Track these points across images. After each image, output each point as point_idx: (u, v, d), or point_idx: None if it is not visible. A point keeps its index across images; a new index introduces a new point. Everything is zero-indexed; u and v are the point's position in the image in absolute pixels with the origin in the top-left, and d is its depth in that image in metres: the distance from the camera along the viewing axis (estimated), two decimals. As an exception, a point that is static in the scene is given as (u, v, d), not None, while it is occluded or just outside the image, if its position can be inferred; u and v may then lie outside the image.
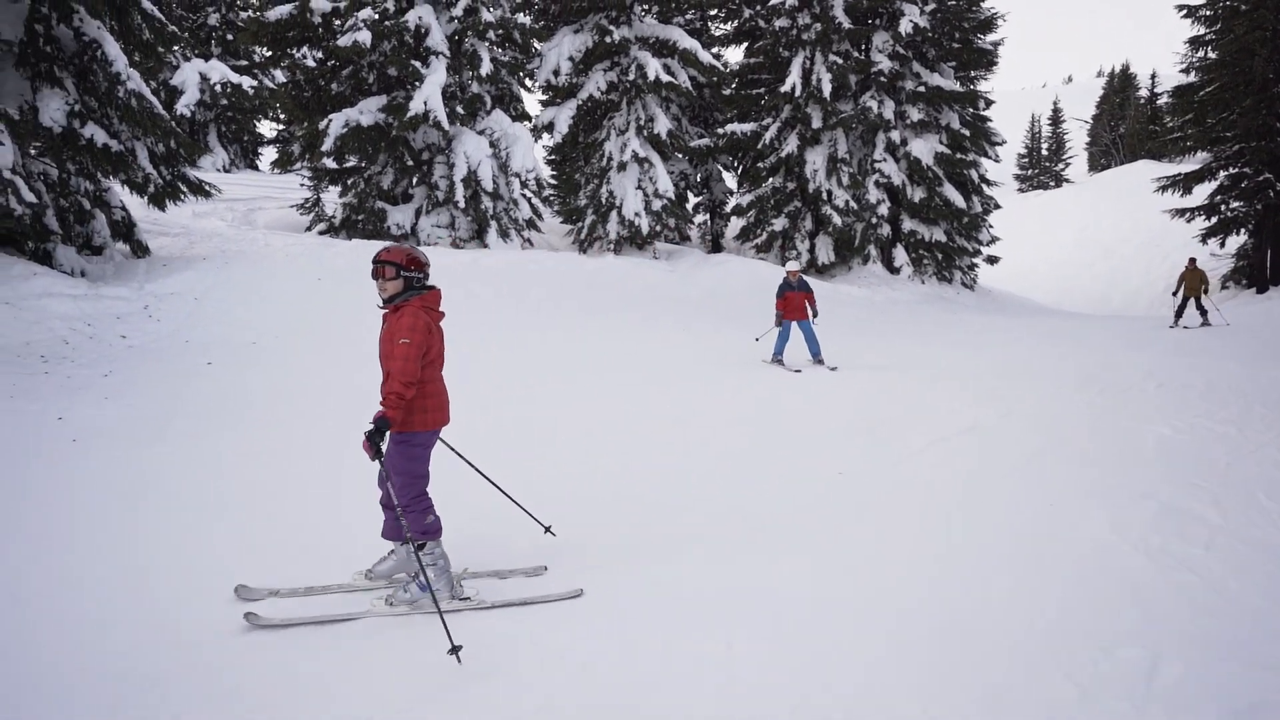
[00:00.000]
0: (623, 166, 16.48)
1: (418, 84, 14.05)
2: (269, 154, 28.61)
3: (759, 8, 18.72)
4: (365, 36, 13.46)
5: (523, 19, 16.71)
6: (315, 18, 14.04)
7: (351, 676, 2.77)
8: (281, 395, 6.70)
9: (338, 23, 14.26)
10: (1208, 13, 22.20)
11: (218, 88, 22.21)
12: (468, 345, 8.98)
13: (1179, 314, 15.29)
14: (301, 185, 16.50)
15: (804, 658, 2.93)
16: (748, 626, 3.16)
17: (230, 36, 24.29)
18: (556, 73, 16.78)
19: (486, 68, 14.69)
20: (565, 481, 4.99)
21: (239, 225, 14.42)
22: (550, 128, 17.36)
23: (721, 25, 21.30)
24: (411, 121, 13.66)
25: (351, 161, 15.28)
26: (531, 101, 28.06)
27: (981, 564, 3.80)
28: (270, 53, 15.86)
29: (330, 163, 15.03)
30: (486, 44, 15.15)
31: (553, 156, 21.02)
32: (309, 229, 15.00)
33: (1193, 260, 15.85)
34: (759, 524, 4.37)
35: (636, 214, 16.20)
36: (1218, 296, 22.65)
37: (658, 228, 16.75)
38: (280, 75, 21.90)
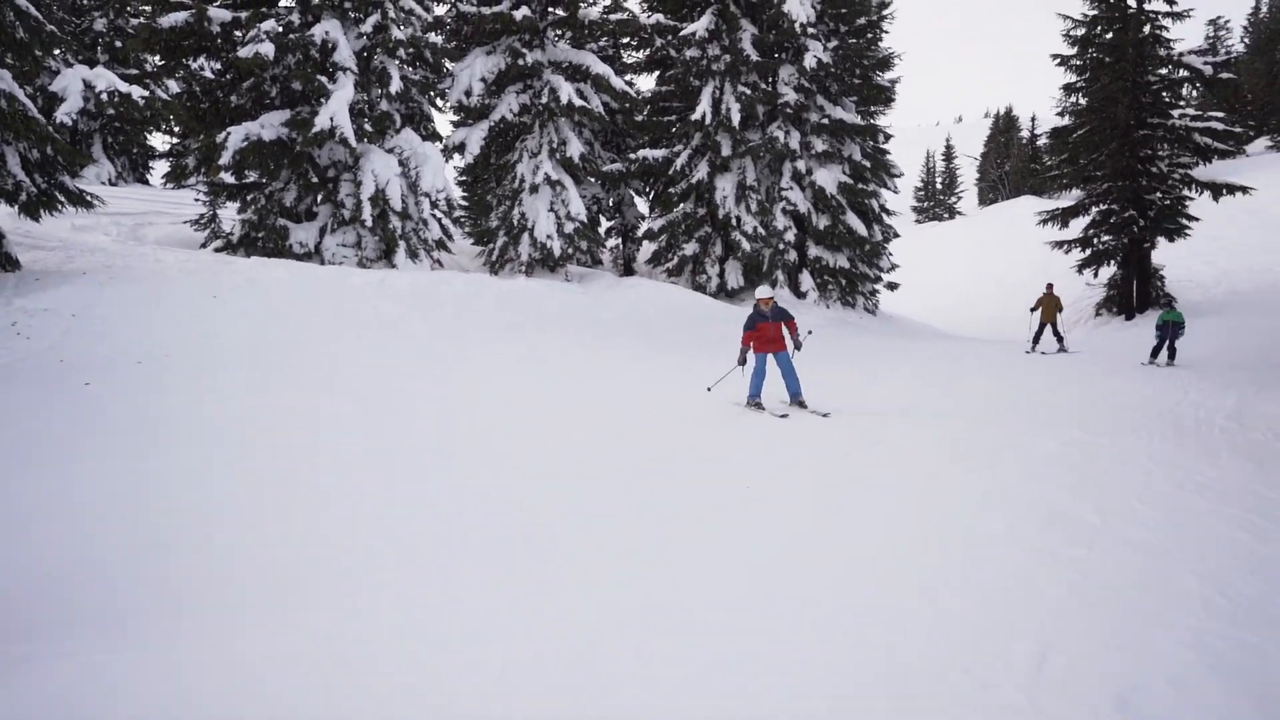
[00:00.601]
0: (535, 189, 16.45)
1: (324, 100, 13.67)
2: (161, 168, 27.21)
3: (670, 38, 19.17)
4: (268, 49, 13.02)
5: (434, 38, 16.56)
6: (214, 27, 13.49)
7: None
8: (167, 419, 6.30)
9: (238, 33, 13.74)
10: (1078, 62, 24.07)
11: (104, 96, 20.89)
12: (377, 364, 8.75)
13: (1036, 339, 15.89)
14: (196, 200, 15.73)
15: (704, 663, 2.94)
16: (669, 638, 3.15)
17: (119, 44, 23.08)
18: (468, 93, 16.68)
19: (396, 85, 14.45)
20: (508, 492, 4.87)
21: (125, 240, 13.58)
22: (462, 148, 17.19)
23: (634, 53, 21.66)
24: (317, 138, 13.26)
25: (252, 177, 14.68)
26: (443, 121, 27.78)
27: (888, 568, 3.91)
28: (163, 62, 15.11)
29: (228, 178, 14.40)
30: (396, 62, 14.91)
31: (464, 177, 20.83)
32: (204, 245, 14.29)
33: (1050, 286, 16.45)
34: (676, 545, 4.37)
35: (549, 236, 16.18)
36: (1092, 323, 24.40)
37: (570, 250, 16.77)
38: (174, 86, 20.89)
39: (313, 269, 11.86)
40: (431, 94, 17.20)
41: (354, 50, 14.19)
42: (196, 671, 2.84)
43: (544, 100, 16.43)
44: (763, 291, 8.04)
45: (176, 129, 21.39)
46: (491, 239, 17.21)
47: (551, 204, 16.53)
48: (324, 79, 13.74)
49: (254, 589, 3.53)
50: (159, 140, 26.66)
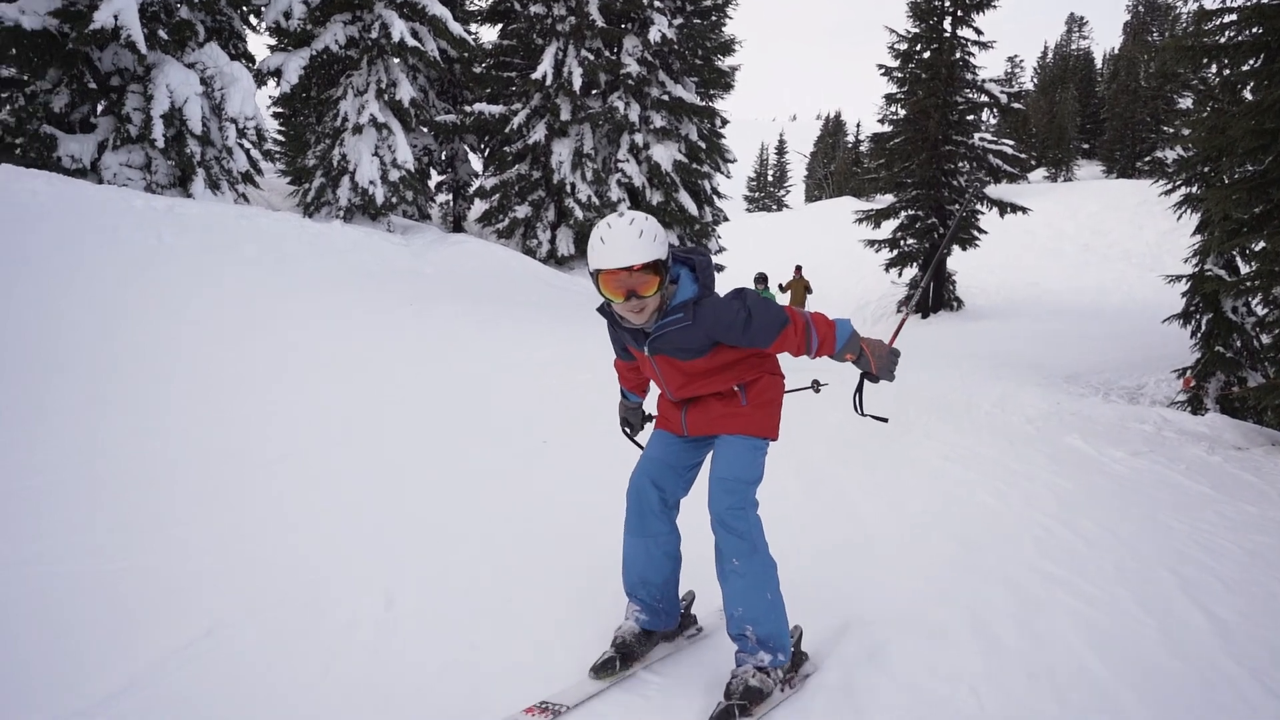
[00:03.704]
0: (359, 129, 15.36)
1: (108, -7, 11.89)
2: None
3: (516, -10, 18.53)
4: (36, -77, 11.13)
5: (251, -54, 14.90)
6: (-35, -114, 11.33)
7: None
8: None
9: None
10: (900, 75, 25.98)
11: None
12: (163, 303, 7.74)
13: None
14: (-67, 92, 13.21)
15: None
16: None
17: None
18: (288, 15, 15.17)
19: (201, -9, 12.87)
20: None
21: None
22: (278, 75, 15.67)
23: (476, 0, 20.78)
24: (95, 36, 11.54)
25: (9, 73, 12.54)
26: (257, 43, 25.29)
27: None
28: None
29: (-24, 68, 12.21)
30: (202, -35, 13.27)
31: (280, 109, 19.08)
32: (-59, 147, 12.06)
33: (799, 269, 16.48)
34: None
35: (372, 182, 15.19)
36: (893, 319, 26.66)
37: (395, 200, 15.85)
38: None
39: (81, 185, 10.32)
40: (244, 9, 15.48)
41: (150, -57, 12.45)
42: None
43: (374, 35, 15.33)
44: (627, 251, 2.30)
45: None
46: (308, 179, 15.91)
47: (376, 148, 15.51)
48: (108, -31, 11.93)
49: None
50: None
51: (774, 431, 2.64)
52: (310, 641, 2.61)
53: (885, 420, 2.78)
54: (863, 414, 2.81)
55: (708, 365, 2.51)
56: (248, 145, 14.32)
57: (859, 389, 2.73)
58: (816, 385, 3.11)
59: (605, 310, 2.58)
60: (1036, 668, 2.87)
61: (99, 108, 13.04)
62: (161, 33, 12.72)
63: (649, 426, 2.96)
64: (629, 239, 2.27)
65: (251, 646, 2.53)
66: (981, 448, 6.64)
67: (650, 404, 2.97)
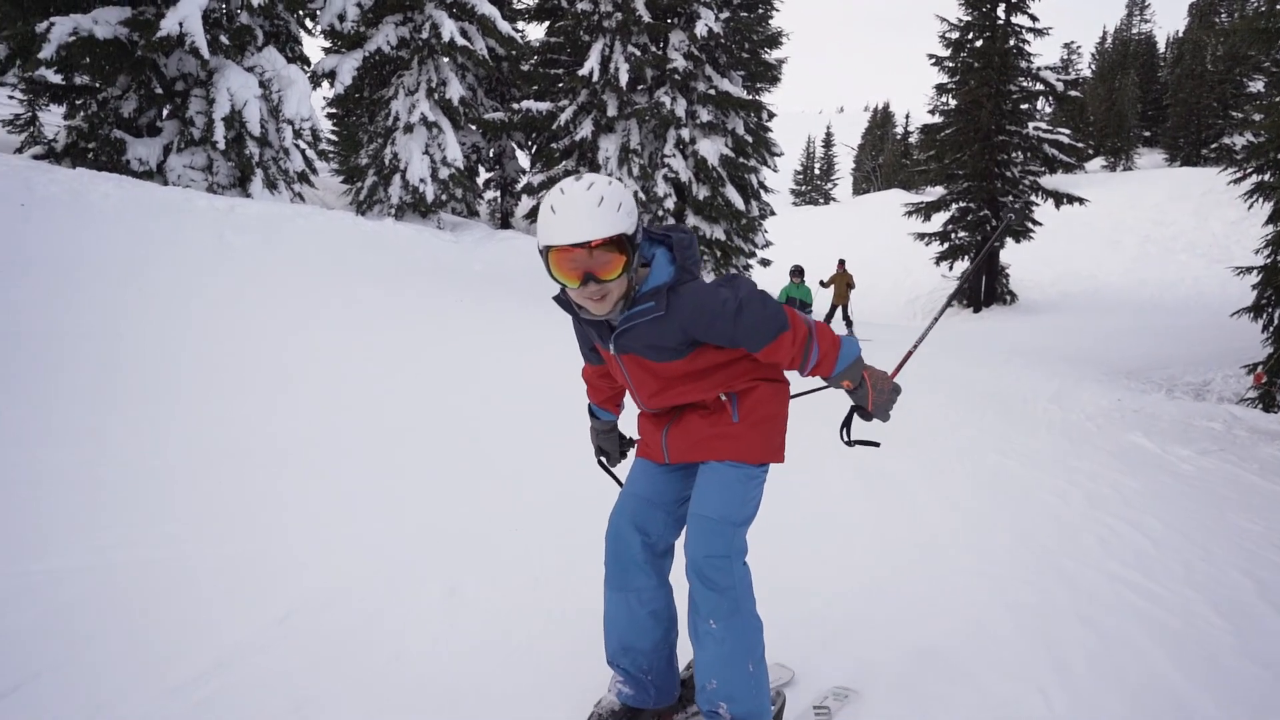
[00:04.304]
0: (410, 128, 15.63)
1: (173, 1, 12.31)
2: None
3: (563, -13, 18.61)
4: (106, -65, 11.56)
5: (306, -48, 15.27)
6: (40, -98, 11.84)
7: None
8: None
9: (70, -87, 12.13)
10: (951, 65, 25.44)
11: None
12: (227, 298, 8.02)
13: (827, 320, 14.92)
14: (12, 99, 13.87)
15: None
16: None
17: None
18: (342, 18, 15.53)
19: (259, -3, 13.22)
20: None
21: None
22: (332, 77, 16.05)
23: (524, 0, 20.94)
24: (162, 43, 11.96)
25: (83, 80, 13.07)
26: (312, 46, 25.86)
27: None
28: (-24, -65, 13.12)
29: (53, 76, 12.75)
30: (261, -29, 13.62)
31: (333, 109, 19.53)
32: (20, 151, 12.65)
33: (842, 263, 15.64)
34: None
35: (422, 180, 15.45)
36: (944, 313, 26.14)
37: (444, 197, 16.09)
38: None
39: (149, 187, 10.72)
40: (300, 13, 15.87)
41: (212, -49, 12.83)
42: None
43: (425, 35, 15.58)
44: (583, 222, 1.83)
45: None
46: (360, 177, 16.26)
47: (427, 146, 15.77)
48: (173, -22, 12.35)
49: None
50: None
51: (775, 454, 2.14)
52: (377, 630, 2.68)
53: (877, 445, 2.37)
54: (850, 443, 2.34)
55: (687, 368, 2.03)
56: (303, 146, 14.71)
57: (847, 421, 2.30)
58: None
59: (564, 299, 2.07)
60: (1105, 670, 2.81)
61: (164, 112, 13.50)
62: (223, 38, 13.11)
63: (632, 454, 2.40)
64: (585, 208, 1.79)
65: (331, 631, 2.62)
66: (1040, 445, 6.51)
67: (631, 424, 2.42)
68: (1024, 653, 2.89)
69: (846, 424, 2.31)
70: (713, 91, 19.23)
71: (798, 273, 12.04)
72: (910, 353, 2.52)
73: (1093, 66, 66.57)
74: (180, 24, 11.97)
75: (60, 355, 5.13)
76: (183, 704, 2.15)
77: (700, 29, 18.55)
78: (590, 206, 1.79)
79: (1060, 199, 24.32)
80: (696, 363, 2.02)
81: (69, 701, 2.09)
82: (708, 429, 2.09)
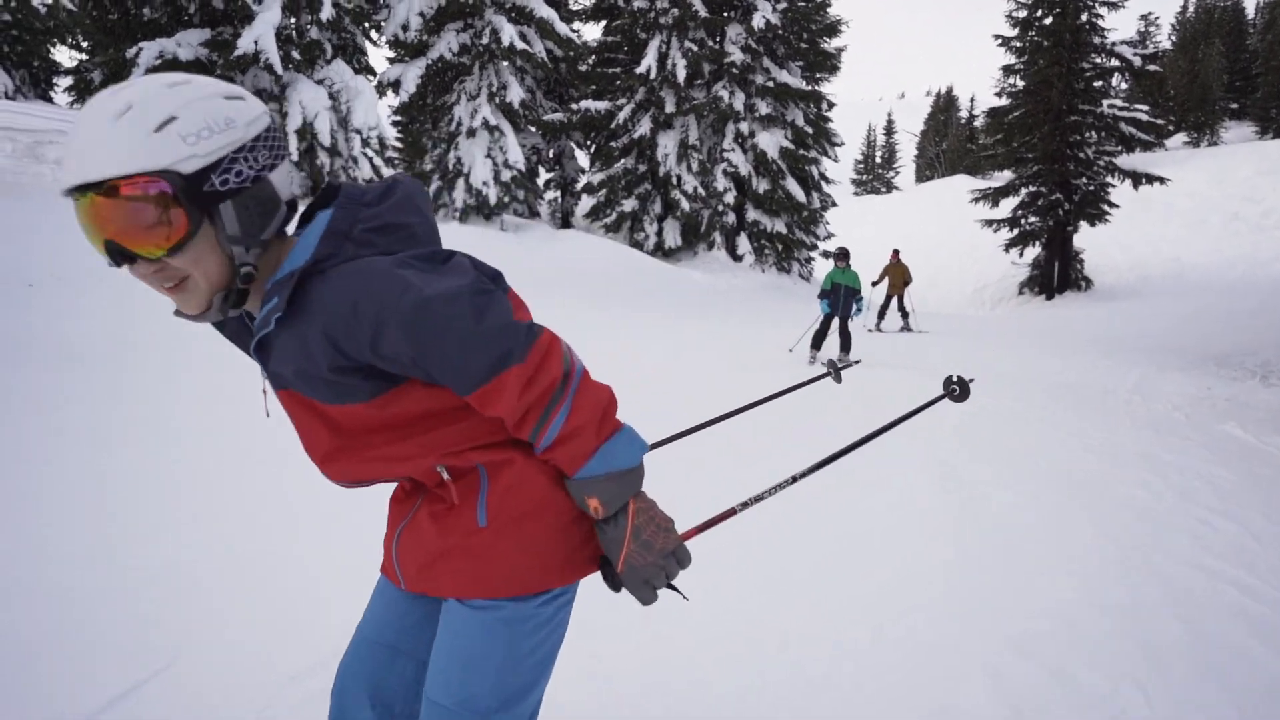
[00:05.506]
0: (472, 133, 15.94)
1: (247, 21, 12.86)
2: (67, 85, 25.30)
3: (618, -14, 18.71)
4: (186, -40, 12.15)
5: (370, -35, 15.73)
6: (125, -68, 12.51)
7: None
8: (66, 346, 5.88)
9: (153, -59, 12.78)
10: (1018, 44, 24.57)
11: (-1, 1, 19.26)
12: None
13: (881, 314, 14.15)
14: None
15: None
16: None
17: (19, -54, 21.13)
18: (405, 28, 15.95)
19: (328, 12, 13.68)
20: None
21: (20, 158, 12.60)
22: (396, 85, 16.50)
23: (580, 0, 21.11)
24: (239, 62, 12.51)
25: (166, 99, 13.75)
26: (377, 56, 26.61)
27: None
28: (68, -33, 13.98)
29: (140, 98, 13.45)
30: (328, -14, 14.11)
31: (398, 117, 20.06)
32: (112, 171, 13.35)
33: (896, 253, 14.53)
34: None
35: (485, 183, 15.75)
36: (1015, 301, 25.30)
37: (506, 199, 16.37)
38: (81, -4, 19.32)
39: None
40: (366, 25, 16.37)
41: (282, -30, 13.35)
42: None
43: (485, 41, 15.86)
44: (91, 151, 0.99)
45: (84, 44, 19.91)
46: (425, 182, 16.66)
47: (489, 150, 16.06)
48: (248, -1, 12.91)
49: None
50: (65, 56, 24.66)
51: (554, 574, 1.23)
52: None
53: (683, 594, 1.37)
54: (616, 590, 1.28)
55: (377, 416, 1.16)
56: (371, 154, 15.17)
57: (604, 570, 1.28)
58: (835, 368, 1.85)
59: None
60: (1205, 667, 2.71)
61: (241, 127, 14.09)
62: (294, 53, 13.63)
63: None
64: (100, 125, 0.98)
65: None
66: (1123, 437, 6.26)
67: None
68: (1116, 649, 2.81)
69: (608, 576, 1.28)
70: (771, 83, 19.07)
71: (843, 256, 9.81)
72: (730, 512, 1.45)
73: (1173, 38, 63.38)
74: (255, 42, 12.50)
75: (172, 359, 5.42)
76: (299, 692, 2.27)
77: (757, 21, 18.42)
78: (105, 123, 0.98)
79: (1139, 179, 23.22)
80: (392, 408, 1.16)
81: (211, 681, 2.23)
82: (436, 537, 1.23)
